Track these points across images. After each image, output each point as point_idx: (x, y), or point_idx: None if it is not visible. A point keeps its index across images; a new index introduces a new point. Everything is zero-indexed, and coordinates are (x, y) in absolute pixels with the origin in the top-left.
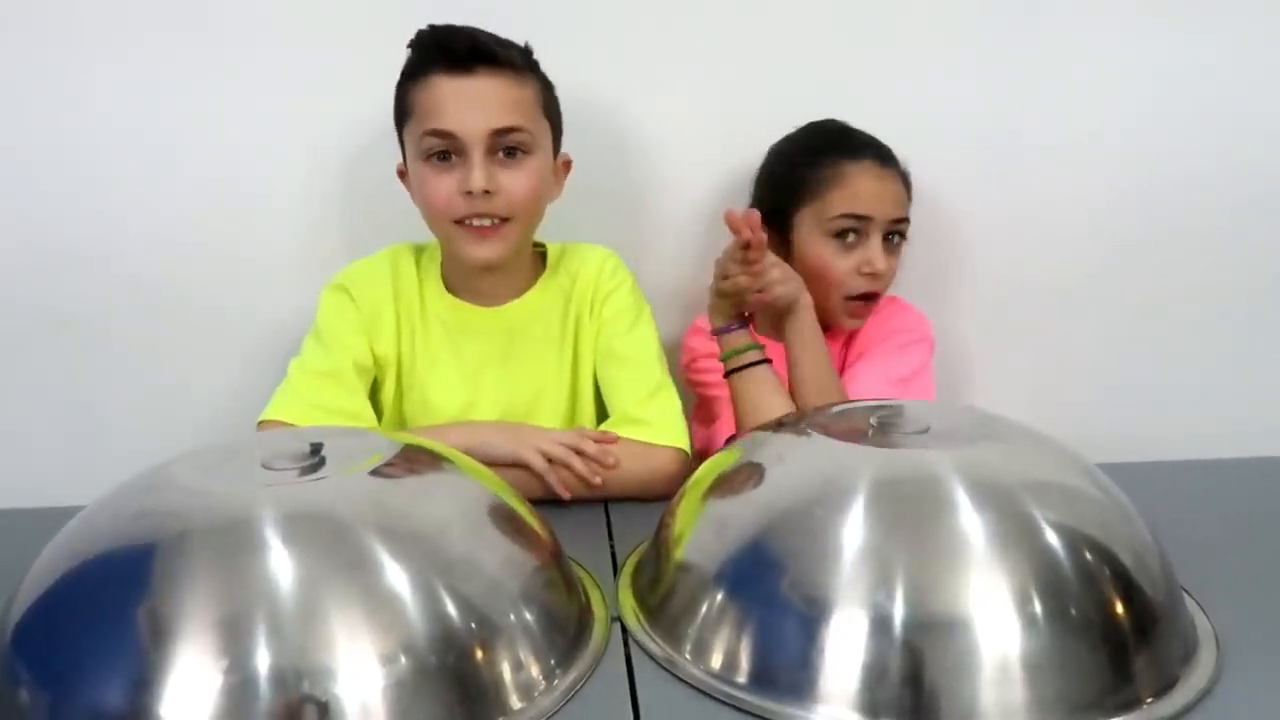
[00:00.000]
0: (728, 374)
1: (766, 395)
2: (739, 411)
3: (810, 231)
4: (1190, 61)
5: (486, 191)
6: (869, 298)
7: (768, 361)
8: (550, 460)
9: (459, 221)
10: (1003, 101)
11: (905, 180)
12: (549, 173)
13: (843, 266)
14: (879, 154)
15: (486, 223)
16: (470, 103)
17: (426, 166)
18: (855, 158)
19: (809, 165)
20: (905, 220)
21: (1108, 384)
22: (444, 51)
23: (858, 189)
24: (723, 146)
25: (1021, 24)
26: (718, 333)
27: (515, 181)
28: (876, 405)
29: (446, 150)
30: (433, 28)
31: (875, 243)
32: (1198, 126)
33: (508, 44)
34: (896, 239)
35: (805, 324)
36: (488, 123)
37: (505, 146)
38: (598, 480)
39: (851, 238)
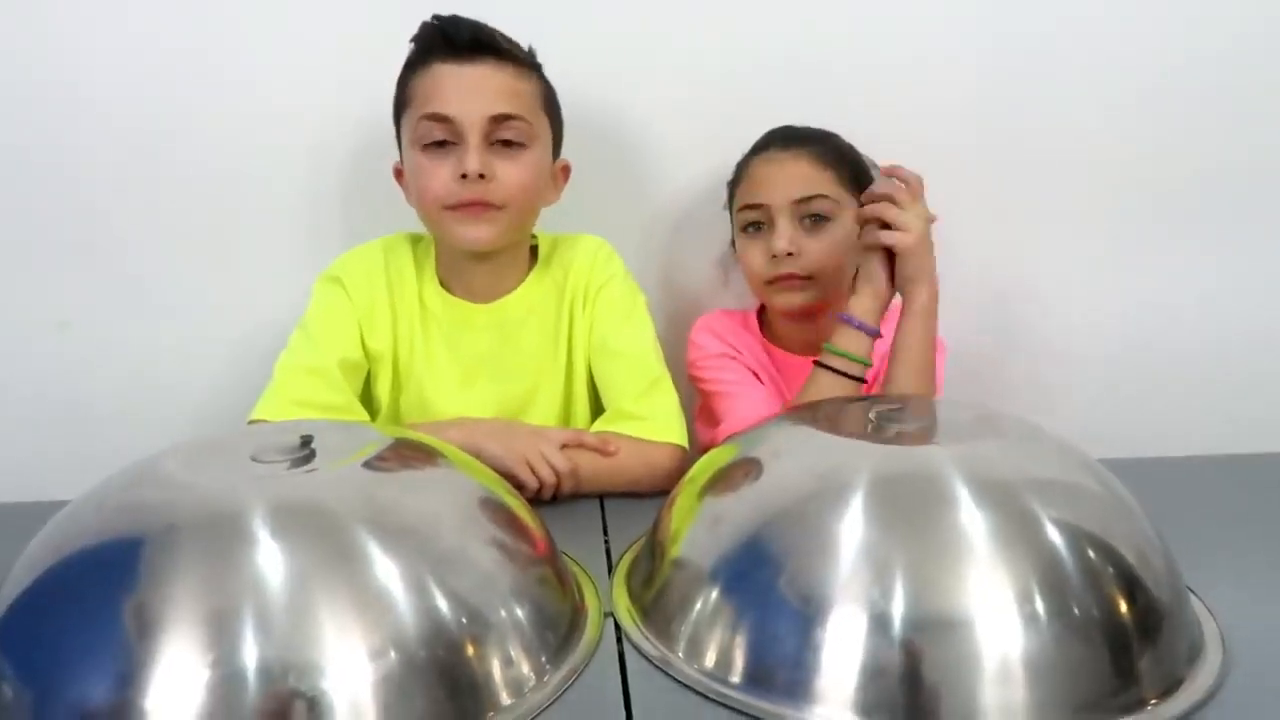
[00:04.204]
0: (820, 365)
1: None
2: (803, 395)
3: (735, 230)
4: (1198, 46)
5: (481, 176)
6: (787, 278)
7: (863, 381)
8: (540, 477)
9: (451, 208)
10: (1000, 94)
11: (829, 158)
12: (546, 170)
13: (754, 257)
14: (784, 140)
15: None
16: (470, 89)
17: (423, 155)
18: (758, 151)
19: (734, 172)
20: (820, 198)
21: (1110, 379)
22: (446, 40)
23: (754, 178)
24: (719, 140)
25: (1019, 28)
26: (855, 325)
27: (510, 171)
28: (875, 400)
29: (444, 140)
30: (436, 18)
31: (779, 227)
32: (1201, 122)
33: (512, 40)
34: (815, 219)
35: (916, 305)
36: (486, 109)
37: (503, 137)
38: (611, 450)
39: (762, 228)
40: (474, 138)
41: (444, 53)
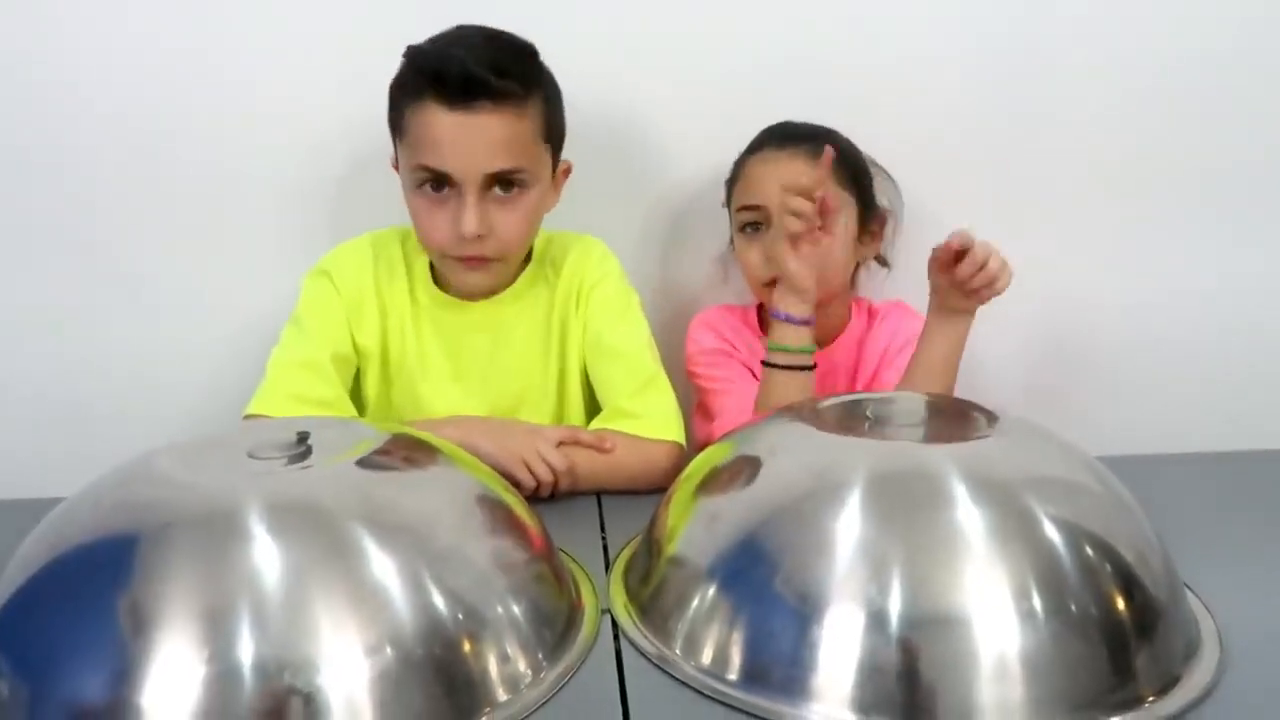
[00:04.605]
0: (767, 365)
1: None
2: (761, 405)
3: (734, 230)
4: (1199, 44)
5: (479, 235)
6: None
7: (812, 368)
8: (537, 476)
9: (451, 255)
10: (1000, 93)
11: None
12: (546, 197)
13: (751, 258)
14: (780, 138)
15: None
16: (466, 143)
17: (419, 196)
18: (754, 150)
19: (731, 171)
20: None
21: (1109, 377)
22: (439, 81)
23: (750, 178)
24: (719, 140)
25: (1019, 28)
26: (781, 319)
27: (508, 221)
28: (873, 398)
29: (440, 185)
30: (425, 52)
31: (775, 228)
32: (1202, 121)
33: (506, 69)
34: None
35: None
36: (484, 166)
37: (502, 182)
38: (608, 447)
39: (760, 228)
40: (471, 194)
41: (438, 94)
